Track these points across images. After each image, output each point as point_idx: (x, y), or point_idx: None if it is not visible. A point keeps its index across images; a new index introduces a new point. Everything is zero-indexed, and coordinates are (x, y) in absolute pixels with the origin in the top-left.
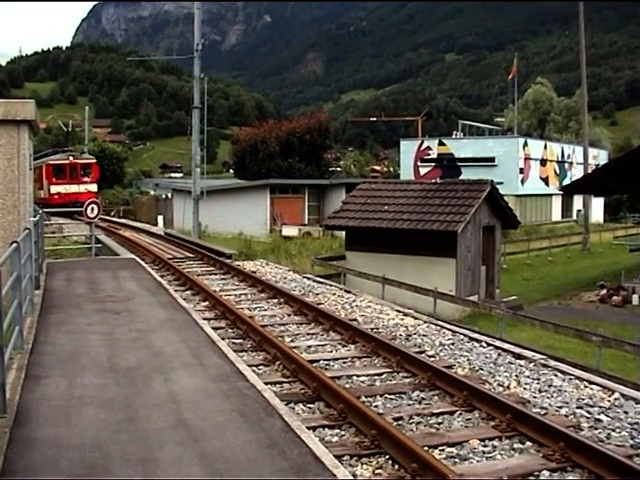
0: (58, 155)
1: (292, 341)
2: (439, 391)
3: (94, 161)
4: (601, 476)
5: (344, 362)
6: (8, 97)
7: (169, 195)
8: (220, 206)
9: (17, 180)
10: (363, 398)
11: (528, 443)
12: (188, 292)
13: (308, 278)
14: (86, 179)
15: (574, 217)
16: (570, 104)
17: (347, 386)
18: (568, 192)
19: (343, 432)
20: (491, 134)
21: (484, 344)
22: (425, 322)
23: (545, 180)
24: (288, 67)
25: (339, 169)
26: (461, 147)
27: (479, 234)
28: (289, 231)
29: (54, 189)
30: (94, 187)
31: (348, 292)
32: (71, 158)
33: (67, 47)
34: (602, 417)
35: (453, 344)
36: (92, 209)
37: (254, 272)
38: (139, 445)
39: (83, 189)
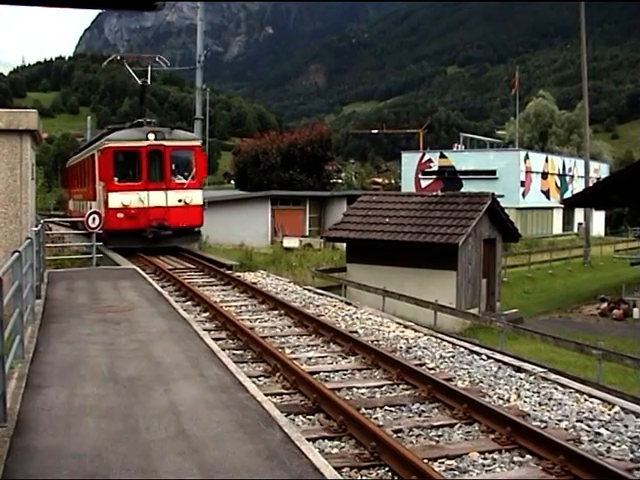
0: (125, 131)
1: (292, 352)
2: (439, 404)
3: (197, 144)
4: None
5: (344, 374)
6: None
7: None
8: (221, 217)
9: (19, 190)
10: (363, 410)
11: (528, 456)
12: (189, 303)
13: (309, 290)
14: (181, 180)
15: (575, 230)
16: (571, 117)
17: (347, 398)
18: (569, 205)
19: (343, 444)
20: (492, 147)
21: (484, 357)
22: (425, 335)
23: (546, 193)
24: (290, 79)
25: (340, 181)
26: (462, 160)
27: (480, 247)
28: (290, 242)
29: (116, 199)
30: (198, 197)
31: (349, 304)
32: (152, 137)
33: (70, 57)
34: (602, 431)
35: (453, 357)
36: (94, 219)
37: (255, 283)
38: (139, 455)
39: (176, 200)
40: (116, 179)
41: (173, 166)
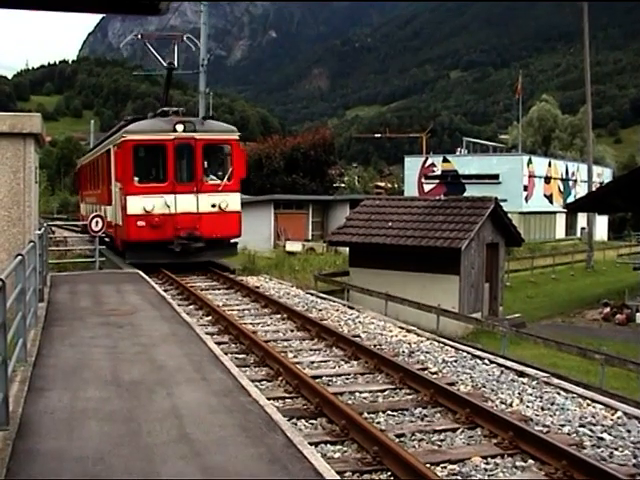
0: (148, 121)
1: (295, 357)
2: (442, 408)
3: (235, 137)
4: None
5: (347, 378)
6: (14, 110)
7: None
8: None
9: (22, 193)
10: (365, 414)
11: (530, 461)
12: (191, 306)
13: (311, 294)
14: (215, 181)
15: (578, 235)
16: (575, 122)
17: (349, 402)
18: (572, 210)
19: (345, 448)
20: (495, 151)
21: (487, 361)
22: (428, 339)
23: (549, 198)
24: (293, 82)
25: (343, 185)
26: (465, 164)
27: (483, 251)
28: (293, 246)
29: (136, 204)
30: (235, 201)
31: (351, 308)
32: (180, 128)
33: (73, 61)
34: (605, 436)
35: (456, 361)
36: (97, 222)
37: (257, 287)
38: (141, 459)
39: (209, 205)
40: (136, 179)
41: (206, 163)
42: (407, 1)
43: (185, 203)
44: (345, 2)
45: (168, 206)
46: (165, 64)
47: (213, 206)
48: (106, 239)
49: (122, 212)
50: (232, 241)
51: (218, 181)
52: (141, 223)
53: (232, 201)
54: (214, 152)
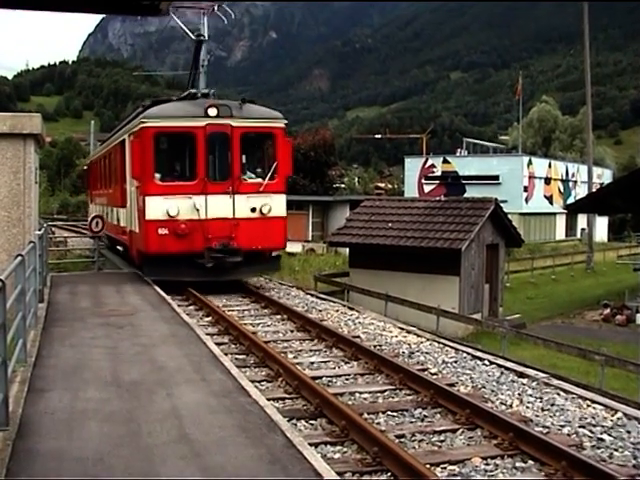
0: (172, 105)
1: (295, 357)
2: (441, 409)
3: (280, 125)
4: None
5: (347, 379)
6: (14, 110)
7: None
8: None
9: (23, 193)
10: (365, 415)
11: (530, 462)
12: (191, 307)
13: (311, 295)
14: (255, 179)
15: (578, 236)
16: (575, 123)
17: (349, 403)
18: (572, 211)
19: (345, 449)
20: (495, 152)
21: (487, 362)
22: (428, 340)
23: (549, 199)
24: (293, 83)
25: (343, 186)
26: (465, 165)
27: (483, 252)
28: (293, 247)
29: (158, 207)
30: (280, 204)
31: (351, 309)
32: (213, 112)
33: (73, 61)
34: (604, 436)
35: (456, 362)
36: (97, 223)
37: (257, 288)
38: (141, 459)
39: (248, 209)
40: (158, 176)
41: (244, 157)
42: (408, 1)
43: (218, 206)
44: (346, 2)
45: (197, 210)
46: (193, 36)
47: (253, 210)
48: (118, 247)
49: (139, 217)
50: (274, 254)
51: (259, 179)
52: (163, 231)
53: (276, 204)
54: (255, 143)
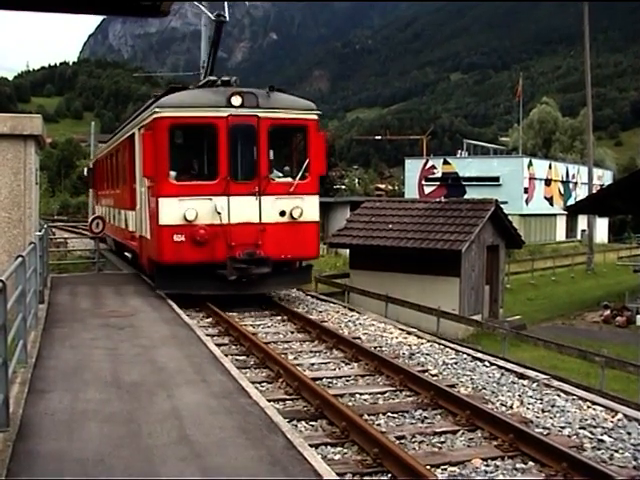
0: (190, 93)
1: (295, 358)
2: (442, 410)
3: (313, 117)
4: None
5: (347, 380)
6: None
7: None
8: None
9: (23, 195)
10: (366, 416)
11: (531, 463)
12: (191, 308)
13: (312, 296)
14: (283, 178)
15: (578, 237)
16: (575, 124)
17: (350, 404)
18: (572, 212)
19: (345, 450)
20: (496, 153)
21: (487, 363)
22: (428, 341)
23: (549, 200)
24: (294, 84)
25: (343, 187)
26: (466, 166)
27: (483, 253)
28: None
29: (173, 210)
30: (313, 206)
31: (352, 310)
32: (237, 101)
33: (74, 62)
34: (605, 438)
35: (456, 363)
36: (97, 224)
37: None
38: (141, 460)
39: (276, 213)
40: (173, 174)
41: (272, 153)
42: (408, 0)
43: (243, 209)
44: (346, 3)
45: (219, 213)
46: (212, 16)
47: (282, 214)
48: (126, 254)
49: (152, 221)
50: (305, 263)
51: (289, 178)
52: (179, 238)
53: (308, 207)
54: (284, 137)
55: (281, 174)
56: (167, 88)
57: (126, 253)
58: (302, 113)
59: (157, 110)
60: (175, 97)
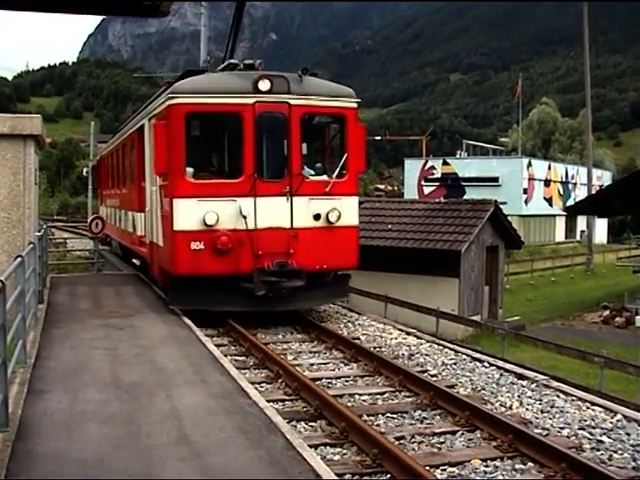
0: (210, 76)
1: (295, 359)
2: (441, 411)
3: (352, 105)
4: None
5: (346, 380)
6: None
7: None
8: None
9: (22, 195)
10: (365, 417)
11: (530, 464)
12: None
13: None
14: (317, 176)
15: (578, 238)
16: (574, 125)
17: (349, 405)
18: (572, 212)
19: (345, 451)
20: (495, 154)
21: (486, 364)
22: (428, 341)
23: (549, 200)
24: None
25: None
26: (465, 167)
27: (482, 254)
28: None
29: (191, 212)
30: (352, 209)
31: (351, 310)
32: (264, 86)
33: (73, 62)
34: (604, 439)
35: (455, 364)
36: (97, 224)
37: None
38: (141, 461)
39: (310, 216)
40: (190, 171)
41: (305, 147)
42: (408, 0)
43: (272, 212)
44: (346, 3)
45: (244, 217)
46: None
47: (317, 217)
48: (134, 260)
49: (165, 226)
50: (342, 273)
51: (323, 176)
52: (197, 245)
53: (347, 210)
54: (319, 128)
55: (312, 172)
56: (183, 72)
57: (134, 260)
58: (340, 100)
59: (172, 96)
60: (192, 81)
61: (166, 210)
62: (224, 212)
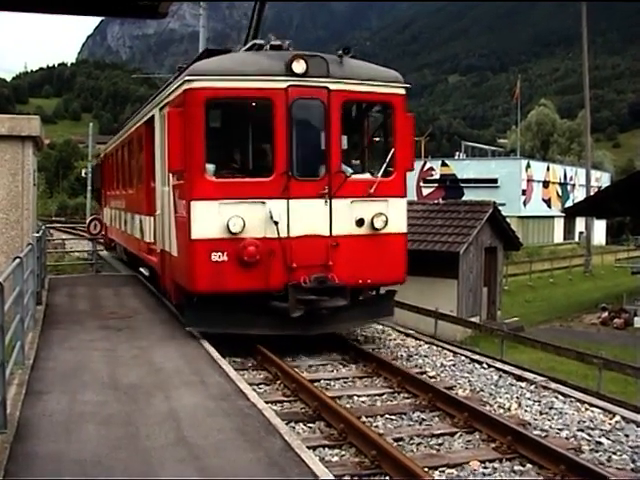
0: (234, 56)
1: (293, 360)
2: (440, 412)
3: (400, 92)
4: None
5: (345, 382)
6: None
7: None
8: None
9: (21, 196)
10: (364, 418)
11: (529, 465)
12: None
13: None
14: (359, 174)
15: (576, 239)
16: (573, 126)
17: (348, 406)
18: (570, 214)
19: (343, 452)
20: (494, 155)
21: (485, 365)
22: (426, 343)
23: (547, 202)
24: None
25: None
26: (464, 168)
27: (481, 255)
28: None
29: (212, 217)
30: (400, 213)
31: None
32: (299, 68)
33: (72, 63)
34: (603, 440)
35: (454, 365)
36: (95, 225)
37: None
38: (140, 462)
39: (352, 222)
40: (210, 168)
41: (346, 140)
42: (407, 0)
43: (308, 217)
44: (344, 3)
45: (275, 223)
46: None
47: (360, 223)
48: (141, 269)
49: (179, 233)
50: (387, 289)
51: (367, 175)
52: (219, 257)
53: (395, 214)
54: (361, 118)
55: (350, 169)
56: (200, 53)
57: (142, 269)
58: (386, 86)
59: (189, 79)
60: (214, 62)
61: (182, 214)
62: (251, 217)
